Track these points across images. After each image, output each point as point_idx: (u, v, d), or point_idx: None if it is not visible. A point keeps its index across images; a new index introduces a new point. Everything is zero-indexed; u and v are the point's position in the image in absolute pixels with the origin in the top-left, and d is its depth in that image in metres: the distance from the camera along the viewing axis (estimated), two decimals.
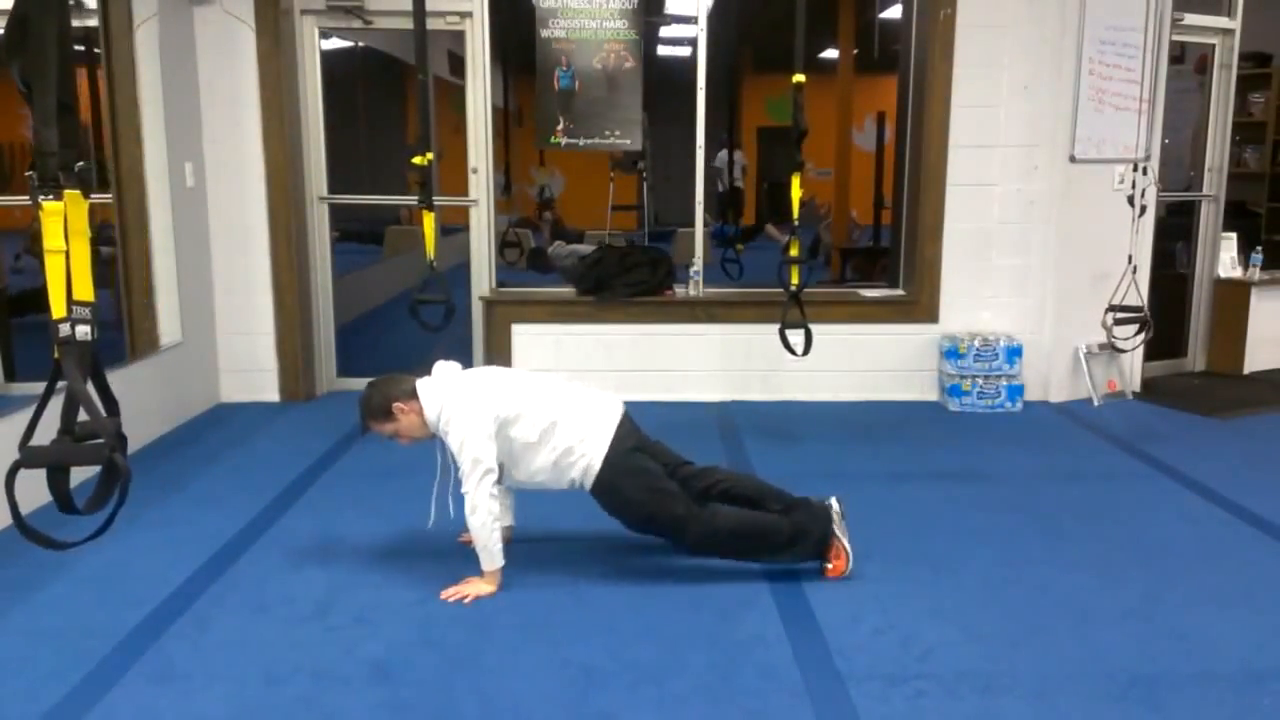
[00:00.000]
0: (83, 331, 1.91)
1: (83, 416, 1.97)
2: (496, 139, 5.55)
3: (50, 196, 1.84)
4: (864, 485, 3.92)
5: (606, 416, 2.99)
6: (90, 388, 1.96)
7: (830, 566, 3.03)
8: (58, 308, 1.88)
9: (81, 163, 1.88)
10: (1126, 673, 2.51)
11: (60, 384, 1.95)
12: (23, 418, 3.62)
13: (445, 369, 3.02)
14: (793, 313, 4.34)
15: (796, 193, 4.29)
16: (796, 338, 4.40)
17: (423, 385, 2.94)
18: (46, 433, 2.01)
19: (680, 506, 2.96)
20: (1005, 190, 5.23)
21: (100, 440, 1.94)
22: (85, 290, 1.90)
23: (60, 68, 1.84)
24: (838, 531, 3.03)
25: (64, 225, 1.86)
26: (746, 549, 3.03)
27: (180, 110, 4.79)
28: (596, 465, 2.92)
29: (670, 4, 7.21)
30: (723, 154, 11.16)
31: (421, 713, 2.34)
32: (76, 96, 1.95)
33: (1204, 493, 3.87)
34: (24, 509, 2.00)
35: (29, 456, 1.94)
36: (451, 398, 2.88)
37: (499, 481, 2.98)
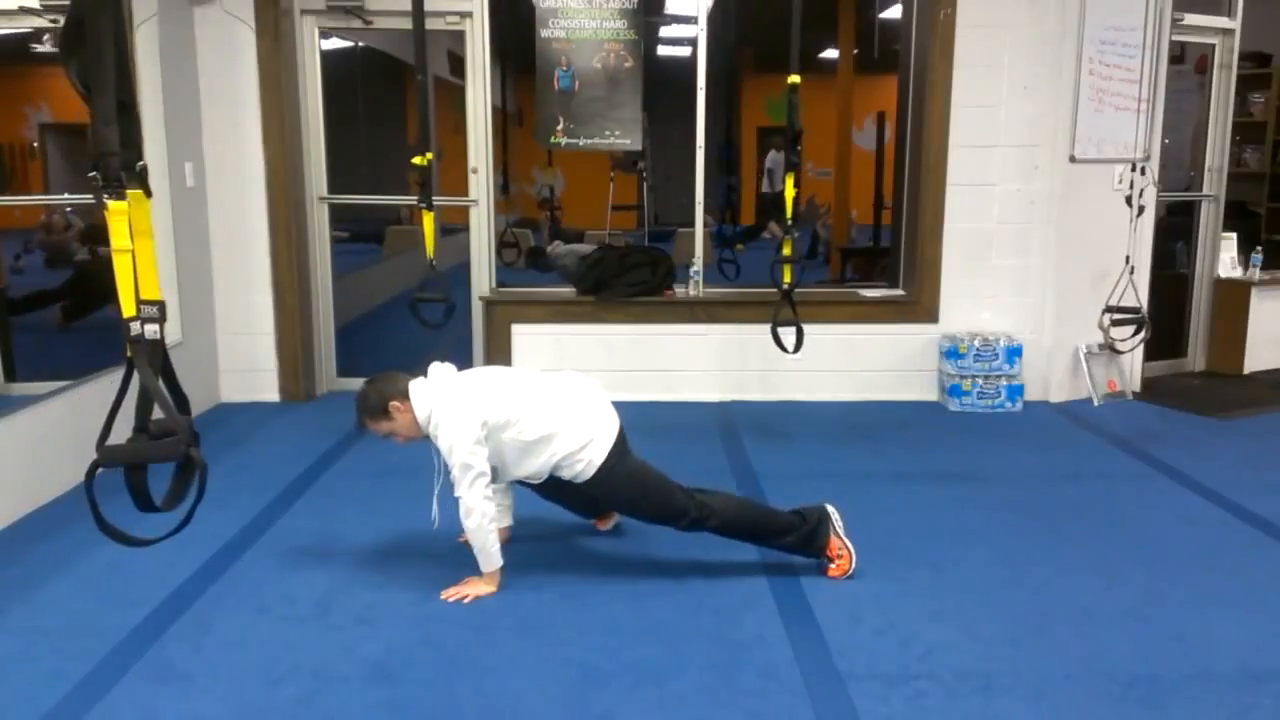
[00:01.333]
0: (151, 330, 1.92)
1: (156, 414, 1.97)
2: (496, 139, 5.55)
3: (114, 196, 1.85)
4: (864, 485, 3.92)
5: (607, 422, 2.98)
6: (162, 385, 1.96)
7: (833, 566, 3.03)
8: (127, 306, 1.89)
9: (142, 162, 1.89)
10: (1126, 673, 2.51)
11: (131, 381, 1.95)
12: (23, 417, 3.64)
13: (440, 370, 2.99)
14: (785, 311, 4.34)
15: (790, 192, 4.29)
16: (789, 336, 4.40)
17: (415, 386, 2.93)
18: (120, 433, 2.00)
19: (679, 499, 2.96)
20: (1005, 190, 5.23)
21: (175, 436, 1.95)
22: (152, 289, 1.92)
23: (118, 67, 1.85)
24: (839, 532, 3.04)
25: (129, 225, 1.87)
26: (745, 527, 3.06)
27: (180, 110, 4.79)
28: (592, 472, 2.91)
29: (670, 4, 7.21)
30: (773, 154, 11.15)
31: (421, 713, 2.34)
32: (135, 96, 1.95)
33: (1204, 493, 3.87)
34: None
35: (106, 455, 1.95)
36: (440, 401, 2.86)
37: (494, 481, 2.97)
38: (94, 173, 1.84)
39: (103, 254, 4.64)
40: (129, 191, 1.87)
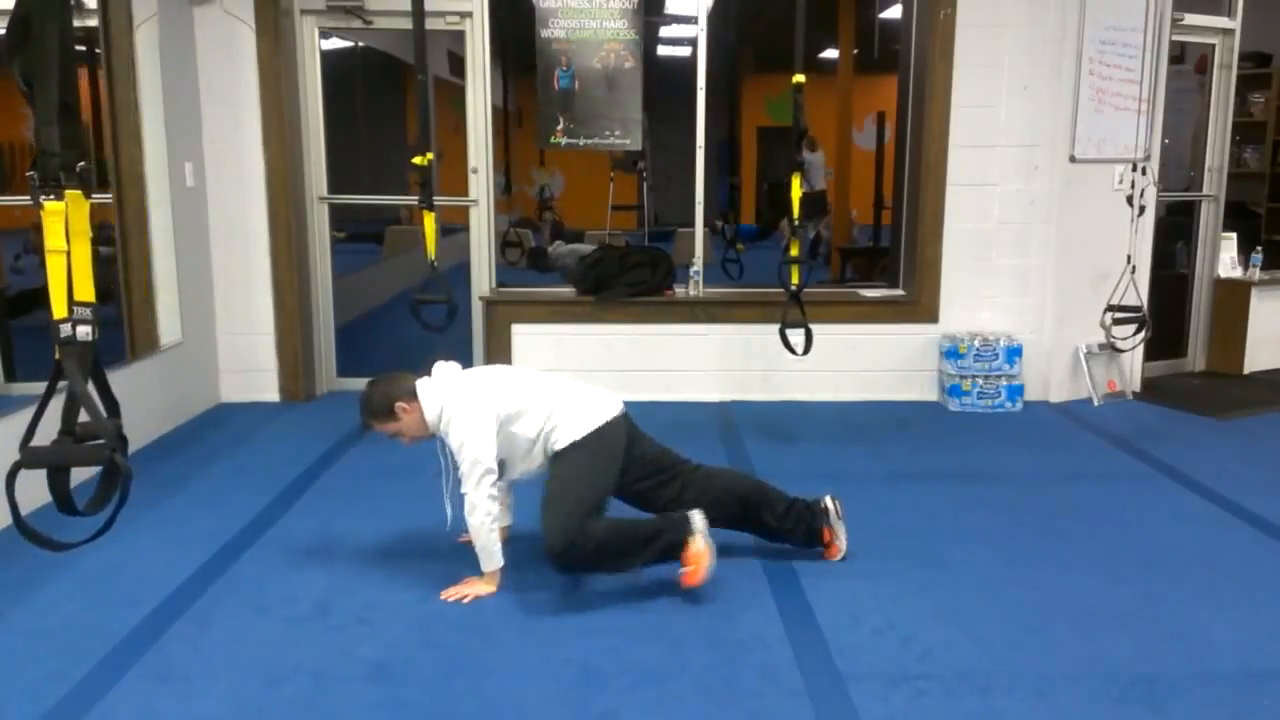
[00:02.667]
0: (84, 332, 1.91)
1: (84, 417, 1.96)
2: (496, 139, 5.55)
3: (52, 196, 1.83)
4: (864, 485, 3.92)
5: (604, 410, 2.99)
6: (91, 388, 1.96)
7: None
8: (59, 308, 1.87)
9: (83, 163, 1.87)
10: (1126, 673, 2.51)
11: (61, 384, 1.94)
12: (23, 418, 3.63)
13: (445, 369, 3.01)
14: (793, 312, 4.34)
15: (796, 192, 4.29)
16: (797, 337, 4.40)
17: (423, 385, 2.94)
18: (47, 433, 2.01)
19: (594, 511, 2.88)
20: (1005, 190, 5.23)
21: (101, 441, 1.94)
22: (86, 290, 1.90)
23: (62, 67, 1.84)
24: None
25: (65, 225, 1.85)
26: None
27: (180, 110, 4.79)
28: (565, 442, 2.90)
29: (670, 4, 7.21)
30: (806, 154, 11.10)
31: (421, 713, 2.34)
32: (78, 96, 1.94)
33: (1204, 493, 3.87)
34: (24, 509, 2.00)
35: (29, 457, 1.94)
36: (452, 398, 2.88)
37: (499, 479, 2.98)
38: (31, 172, 1.83)
39: (103, 254, 4.64)
40: (68, 191, 1.86)
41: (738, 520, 3.14)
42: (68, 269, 1.87)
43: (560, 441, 2.91)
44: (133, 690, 2.43)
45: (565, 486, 2.88)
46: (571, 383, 3.08)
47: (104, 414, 1.96)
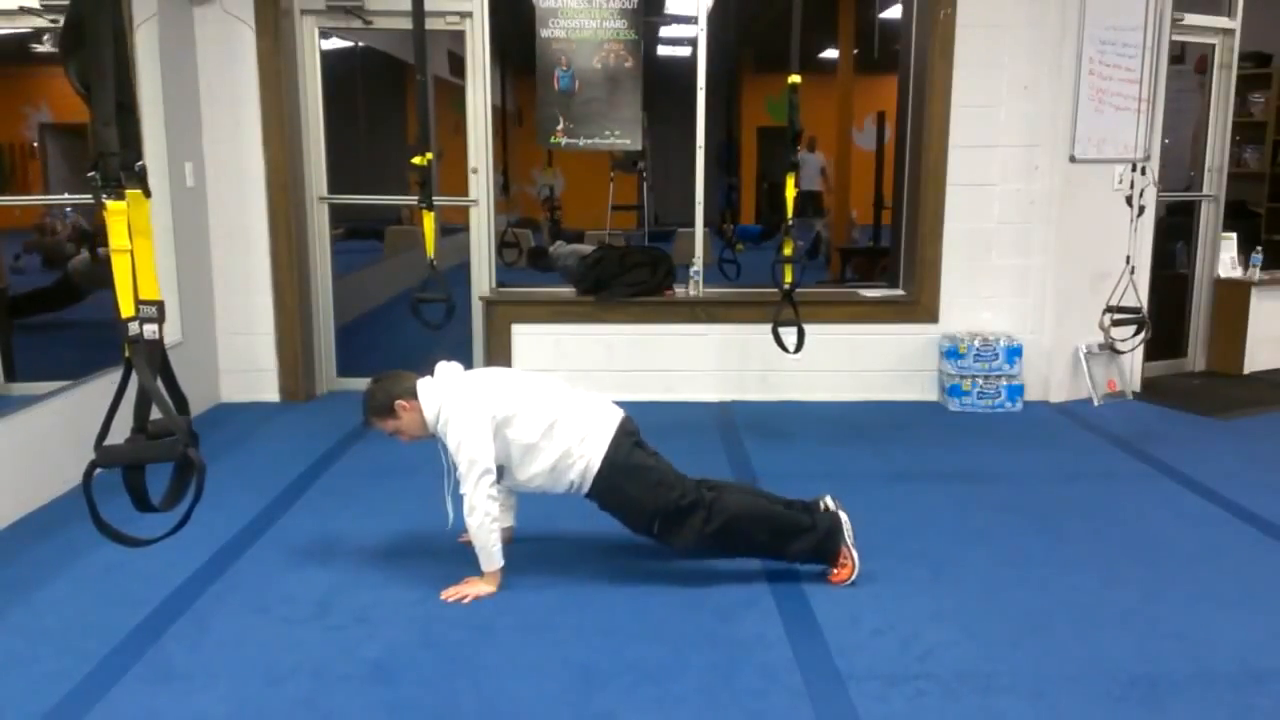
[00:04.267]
0: (150, 330, 1.92)
1: (154, 414, 1.97)
2: (496, 139, 5.55)
3: (113, 196, 1.85)
4: (864, 485, 3.92)
5: (607, 419, 2.98)
6: (160, 385, 1.96)
7: (835, 572, 3.01)
8: (126, 306, 1.89)
9: (141, 162, 1.89)
10: (1126, 673, 2.51)
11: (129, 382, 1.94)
12: (23, 418, 3.64)
13: (447, 369, 3.01)
14: (786, 311, 4.34)
15: (791, 191, 4.29)
16: (790, 336, 4.40)
17: (423, 385, 2.94)
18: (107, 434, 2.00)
19: (682, 495, 2.91)
20: (1005, 190, 5.23)
21: (173, 436, 1.94)
22: (151, 289, 1.91)
23: (117, 68, 1.85)
24: (848, 540, 3.02)
25: (128, 225, 1.87)
26: (757, 536, 2.98)
27: (180, 110, 4.79)
28: (595, 465, 2.91)
29: (670, 4, 7.21)
30: (802, 154, 11.02)
31: (421, 713, 2.34)
32: (135, 96, 1.95)
33: (1204, 493, 3.87)
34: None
35: (104, 455, 1.95)
36: (449, 398, 2.88)
37: (499, 482, 2.98)
38: (93, 173, 1.84)
39: (102, 254, 4.65)
40: (128, 191, 1.87)
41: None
42: (132, 268, 1.88)
43: (586, 476, 2.91)
44: (133, 690, 2.43)
45: (638, 499, 2.92)
46: (571, 391, 3.04)
47: (175, 411, 1.97)
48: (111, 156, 1.85)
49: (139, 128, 1.94)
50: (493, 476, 2.85)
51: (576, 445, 2.90)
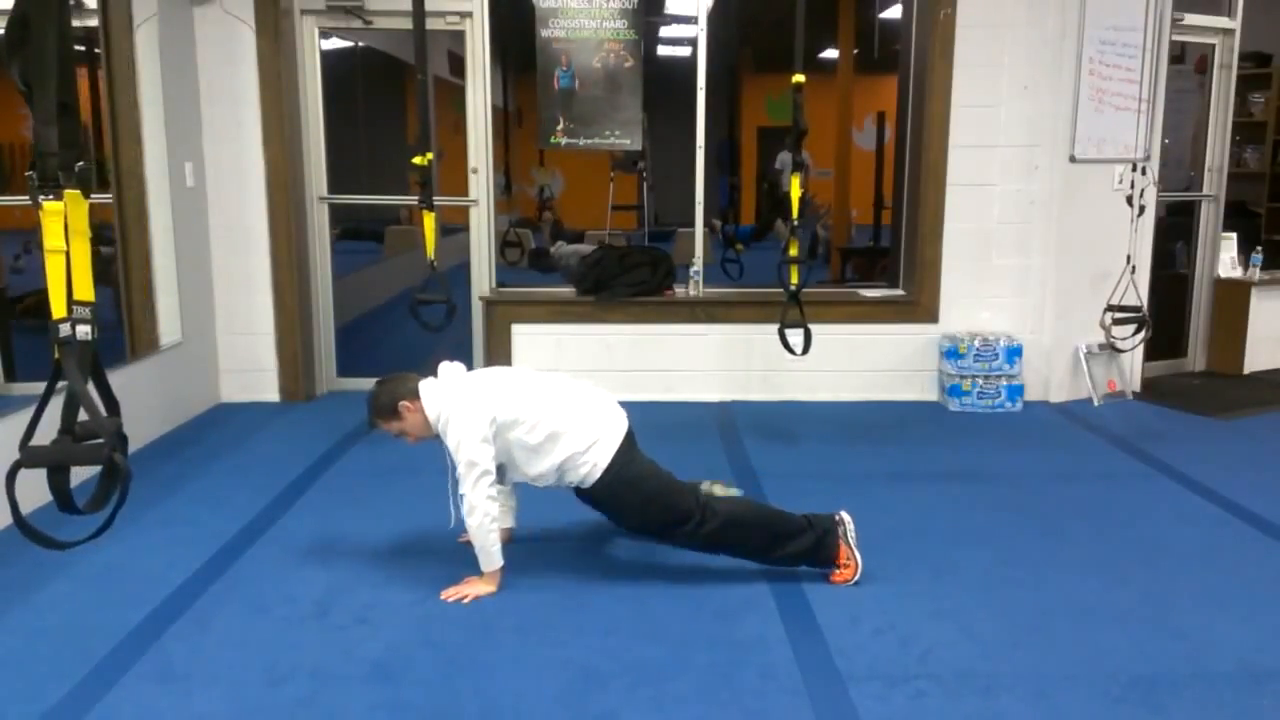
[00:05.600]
0: (83, 331, 1.91)
1: (83, 416, 1.96)
2: (496, 139, 5.55)
3: (50, 196, 1.84)
4: (864, 485, 3.92)
5: (614, 425, 2.98)
6: (91, 387, 1.96)
7: (837, 571, 3.01)
8: (58, 308, 1.88)
9: (81, 163, 1.87)
10: (1126, 673, 2.51)
11: (60, 384, 1.94)
12: (23, 418, 3.63)
13: (450, 370, 3.01)
14: (792, 312, 4.34)
15: (796, 192, 4.29)
16: (796, 337, 4.40)
17: (425, 386, 2.94)
18: (47, 433, 2.01)
19: (686, 500, 2.94)
20: (1005, 190, 5.23)
21: (100, 440, 1.94)
22: (86, 290, 1.90)
23: (60, 67, 1.84)
24: (850, 540, 3.02)
25: (64, 225, 1.85)
26: (754, 538, 2.99)
27: (180, 110, 4.79)
28: (600, 471, 2.91)
29: (670, 4, 7.21)
30: (784, 155, 10.94)
31: (421, 713, 2.34)
32: (77, 96, 1.94)
33: (1204, 493, 3.87)
34: (24, 508, 2.00)
35: (29, 456, 1.94)
36: (450, 399, 2.88)
37: (500, 482, 2.98)
38: (30, 172, 1.83)
39: (103, 253, 4.64)
40: (67, 191, 1.86)
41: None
42: (67, 269, 1.87)
43: (589, 478, 2.91)
44: (133, 690, 2.43)
45: (640, 501, 2.94)
46: (576, 391, 3.03)
47: (103, 413, 1.96)
48: (50, 156, 1.83)
49: (79, 127, 1.92)
50: (492, 477, 2.85)
51: (583, 451, 2.90)
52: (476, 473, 2.81)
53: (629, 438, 2.99)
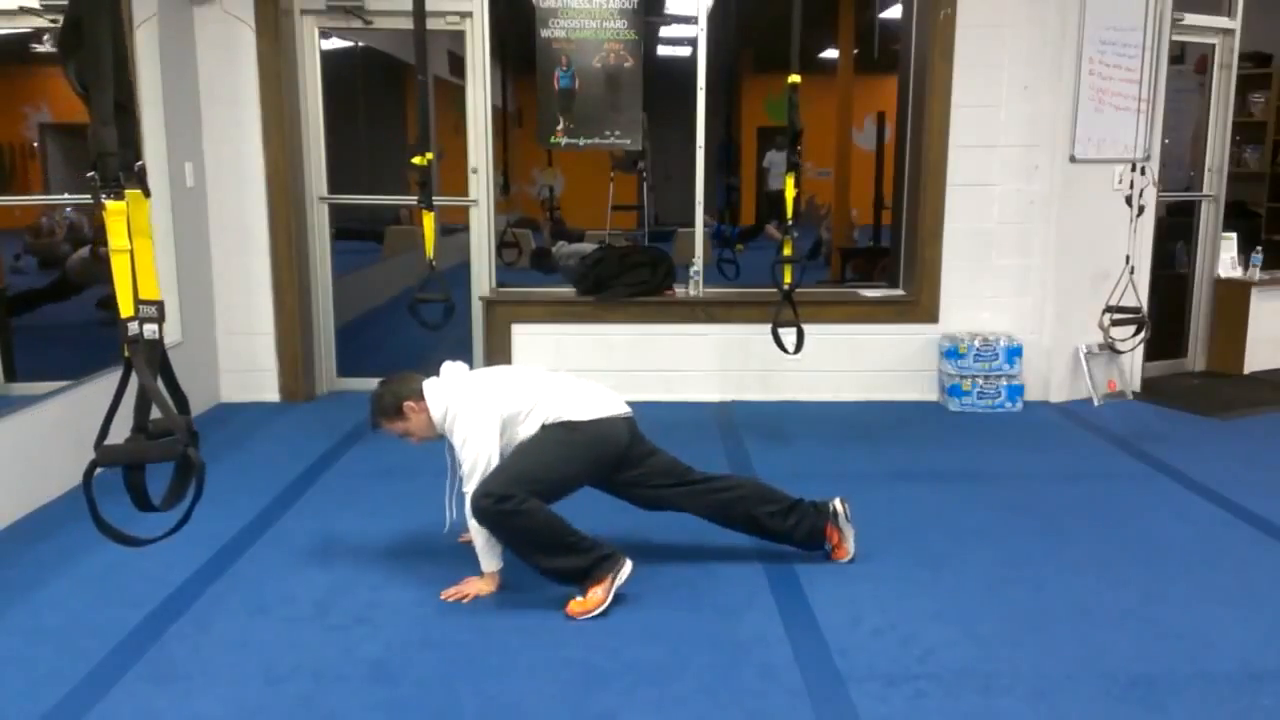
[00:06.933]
0: (150, 330, 1.92)
1: (154, 414, 1.97)
2: (496, 139, 5.55)
3: (112, 196, 1.85)
4: (864, 485, 3.92)
5: (606, 406, 3.00)
6: (160, 385, 1.96)
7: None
8: (125, 306, 1.88)
9: (140, 162, 1.89)
10: (1126, 673, 2.51)
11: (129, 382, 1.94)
12: (23, 417, 3.64)
13: (452, 369, 3.02)
14: (785, 312, 4.35)
15: (791, 192, 4.29)
16: (790, 337, 4.40)
17: (429, 385, 2.95)
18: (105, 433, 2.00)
19: (538, 491, 2.83)
20: (1005, 190, 5.23)
21: (174, 436, 1.94)
22: (151, 289, 1.91)
23: (116, 68, 1.85)
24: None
25: (127, 224, 1.87)
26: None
27: (180, 110, 4.79)
28: (559, 418, 2.92)
29: (670, 4, 7.20)
30: (771, 153, 10.96)
31: (421, 713, 2.34)
32: (134, 96, 1.95)
33: (1204, 493, 3.87)
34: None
35: (104, 455, 1.94)
36: (457, 398, 2.89)
37: None
38: (92, 173, 1.84)
39: (102, 253, 4.66)
40: (127, 191, 1.87)
41: (742, 524, 3.13)
42: (132, 268, 1.88)
43: (550, 418, 2.91)
44: (133, 690, 2.43)
45: (523, 456, 2.88)
46: (579, 381, 3.08)
47: (175, 410, 1.97)
48: (110, 157, 1.84)
49: (138, 128, 1.93)
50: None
51: (568, 407, 2.94)
52: (481, 470, 2.81)
53: (626, 424, 3.01)
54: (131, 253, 1.87)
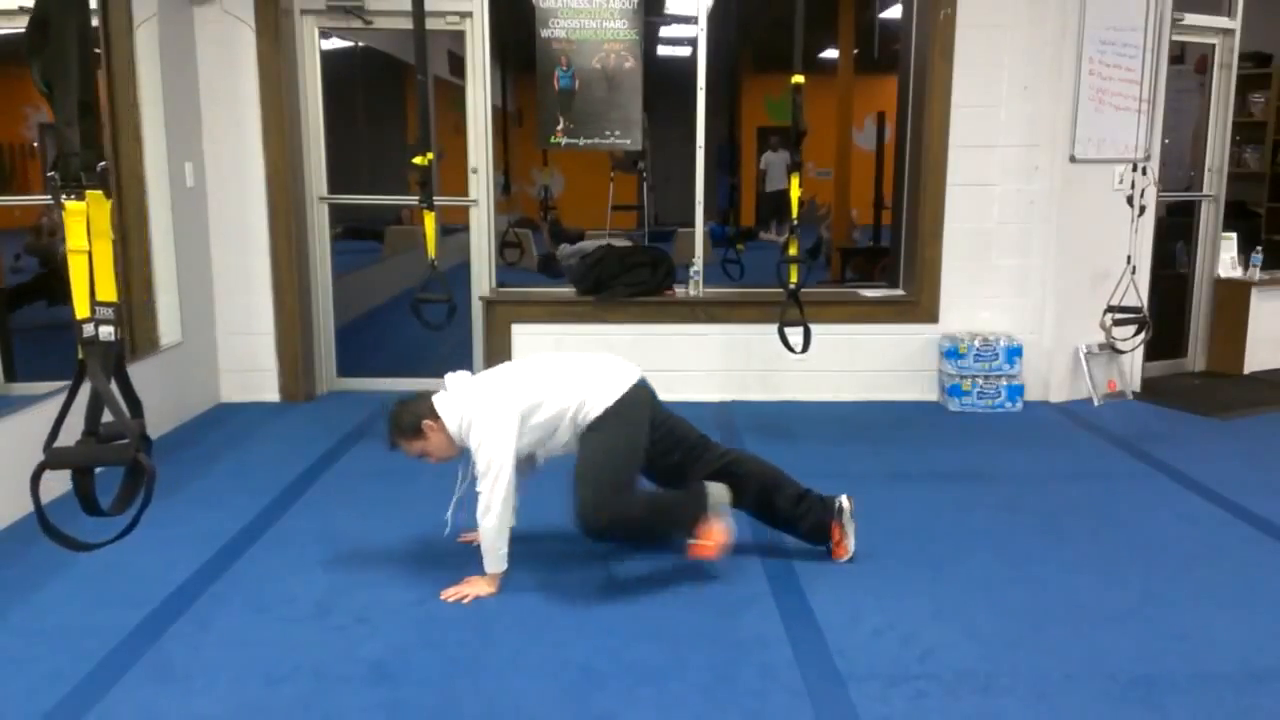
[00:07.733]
0: (106, 332, 1.91)
1: (107, 417, 1.96)
2: (496, 139, 5.55)
3: (73, 196, 1.84)
4: (864, 485, 3.91)
5: (625, 377, 3.01)
6: (114, 388, 1.96)
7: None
8: (81, 308, 1.88)
9: (103, 163, 1.88)
10: (1126, 673, 2.51)
11: (83, 385, 1.94)
12: (22, 417, 3.64)
13: (457, 379, 3.01)
14: (791, 311, 4.35)
15: (795, 192, 4.29)
16: (796, 336, 4.40)
17: (439, 400, 2.93)
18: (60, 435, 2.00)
19: (633, 479, 2.96)
20: (1005, 190, 5.23)
21: (125, 440, 1.94)
22: (108, 291, 1.90)
23: (81, 68, 1.85)
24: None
25: (86, 225, 1.86)
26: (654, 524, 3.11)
27: (180, 110, 4.79)
28: (600, 409, 2.93)
29: (670, 4, 7.20)
30: (768, 155, 10.99)
31: (421, 713, 2.34)
32: (98, 97, 1.94)
33: (1204, 493, 3.87)
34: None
35: (54, 457, 1.94)
36: (471, 403, 2.88)
37: (532, 469, 3.03)
38: (53, 172, 1.83)
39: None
40: (89, 192, 1.86)
41: (751, 503, 3.14)
42: (89, 269, 1.87)
43: (591, 414, 2.92)
44: (133, 690, 2.43)
45: (600, 459, 2.90)
46: (586, 357, 3.09)
47: (128, 414, 1.96)
48: (73, 156, 1.83)
49: (101, 128, 1.92)
50: (510, 477, 2.84)
51: (589, 400, 2.94)
52: (495, 471, 2.81)
53: (644, 390, 3.03)
54: (90, 254, 1.86)
